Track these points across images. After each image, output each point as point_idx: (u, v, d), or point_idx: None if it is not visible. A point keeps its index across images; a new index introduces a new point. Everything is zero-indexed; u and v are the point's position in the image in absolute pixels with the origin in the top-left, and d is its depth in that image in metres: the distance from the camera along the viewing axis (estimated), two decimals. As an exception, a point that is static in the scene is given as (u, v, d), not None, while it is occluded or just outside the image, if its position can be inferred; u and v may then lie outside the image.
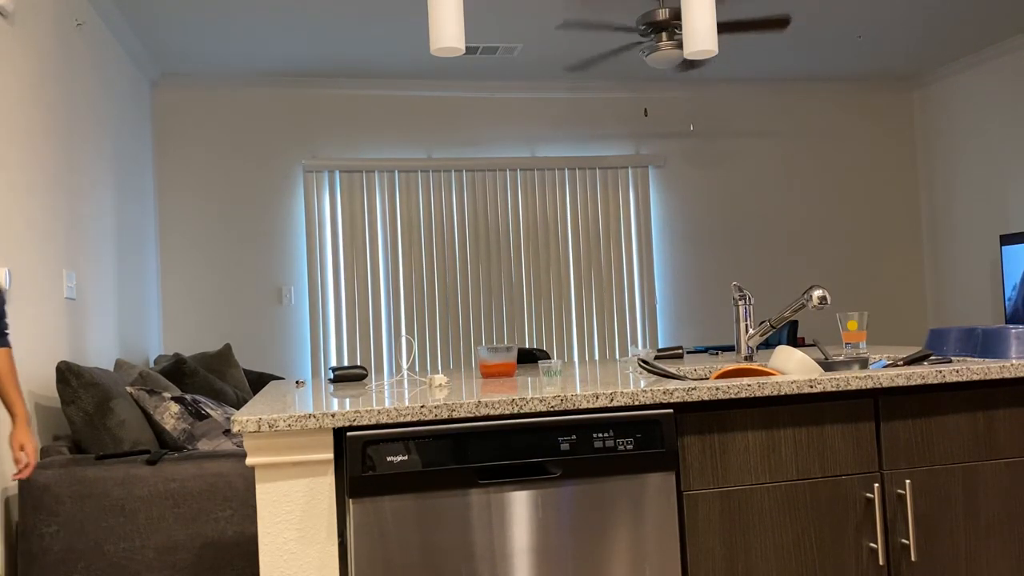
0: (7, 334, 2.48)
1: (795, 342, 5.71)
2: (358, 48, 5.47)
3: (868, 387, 1.88)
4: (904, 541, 1.92)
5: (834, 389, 1.87)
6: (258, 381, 4.99)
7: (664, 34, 4.55)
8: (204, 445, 3.23)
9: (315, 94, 6.12)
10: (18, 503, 2.94)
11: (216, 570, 3.06)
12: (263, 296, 5.97)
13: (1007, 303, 5.73)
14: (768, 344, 5.50)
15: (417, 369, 6.06)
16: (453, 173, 6.27)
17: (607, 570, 1.77)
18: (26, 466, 2.45)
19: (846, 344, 2.57)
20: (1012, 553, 1.98)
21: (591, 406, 1.77)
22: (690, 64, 4.88)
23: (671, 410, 1.81)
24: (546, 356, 4.59)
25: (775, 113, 6.83)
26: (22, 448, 2.45)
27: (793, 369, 2.09)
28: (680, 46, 4.52)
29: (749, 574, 1.85)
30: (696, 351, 3.63)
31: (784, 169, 6.82)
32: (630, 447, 1.77)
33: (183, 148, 5.89)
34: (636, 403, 1.79)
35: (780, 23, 4.46)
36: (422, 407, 1.70)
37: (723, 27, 4.52)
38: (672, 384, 1.87)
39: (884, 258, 6.96)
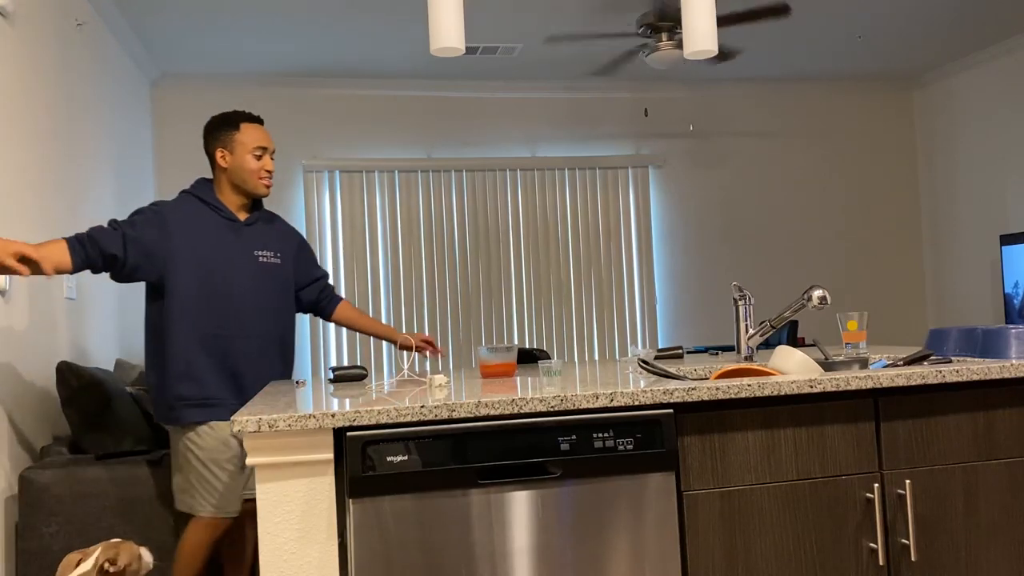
0: (336, 295, 3.03)
1: (795, 342, 5.71)
2: (358, 48, 5.47)
3: (868, 387, 1.88)
4: (904, 541, 1.92)
5: (834, 389, 1.87)
6: (258, 381, 4.99)
7: (664, 34, 4.55)
8: (204, 445, 3.22)
9: (315, 94, 6.12)
10: (18, 503, 2.94)
11: (216, 570, 3.06)
12: (263, 296, 5.96)
13: (1012, 300, 5.72)
14: (768, 344, 5.50)
15: (417, 369, 6.05)
16: (453, 173, 6.27)
17: (607, 570, 1.77)
18: (433, 349, 2.96)
19: (846, 344, 2.57)
20: (1012, 553, 1.98)
21: (591, 406, 1.77)
22: (719, 57, 4.85)
23: (671, 410, 1.81)
24: (546, 356, 4.58)
25: (775, 113, 6.83)
26: (427, 341, 2.95)
27: (793, 369, 2.09)
28: (680, 46, 4.52)
29: (749, 574, 1.85)
30: (696, 351, 3.62)
31: (784, 169, 6.82)
32: (630, 447, 1.77)
33: (183, 148, 5.88)
34: (636, 403, 1.78)
35: (780, 11, 4.44)
36: (422, 407, 1.70)
37: (723, 20, 4.51)
38: (672, 384, 1.87)
39: (884, 258, 6.96)
